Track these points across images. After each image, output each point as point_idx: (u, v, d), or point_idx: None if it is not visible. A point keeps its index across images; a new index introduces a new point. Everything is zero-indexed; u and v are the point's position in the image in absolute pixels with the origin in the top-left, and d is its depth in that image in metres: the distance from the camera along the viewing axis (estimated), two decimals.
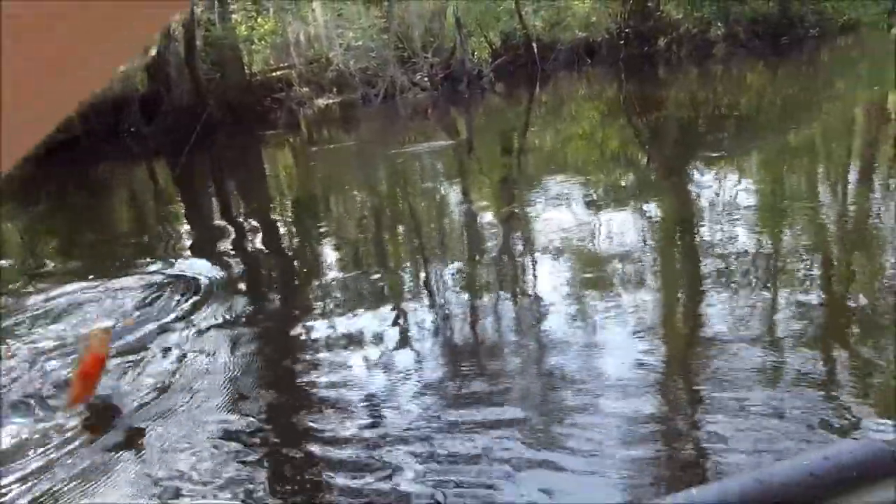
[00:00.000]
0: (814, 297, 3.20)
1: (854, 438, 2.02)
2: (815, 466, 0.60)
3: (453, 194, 6.04)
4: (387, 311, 3.57)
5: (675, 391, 2.54)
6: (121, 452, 2.47)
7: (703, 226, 4.37)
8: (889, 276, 3.39)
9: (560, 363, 2.79)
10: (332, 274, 4.31)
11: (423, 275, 4.17)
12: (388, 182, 7.13)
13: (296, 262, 4.89)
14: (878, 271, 3.50)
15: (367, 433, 2.43)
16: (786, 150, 6.33)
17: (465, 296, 3.71)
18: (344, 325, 3.41)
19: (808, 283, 3.36)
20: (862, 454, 0.61)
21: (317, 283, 4.22)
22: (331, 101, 12.49)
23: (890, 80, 8.26)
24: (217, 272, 4.44)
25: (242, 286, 4.28)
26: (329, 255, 4.85)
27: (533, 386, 2.67)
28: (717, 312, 3.12)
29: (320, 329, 3.41)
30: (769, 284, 3.43)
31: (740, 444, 2.14)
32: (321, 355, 3.13)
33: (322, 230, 5.47)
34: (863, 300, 3.18)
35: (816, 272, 3.56)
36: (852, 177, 5.38)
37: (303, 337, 3.38)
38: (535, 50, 14.12)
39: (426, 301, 3.69)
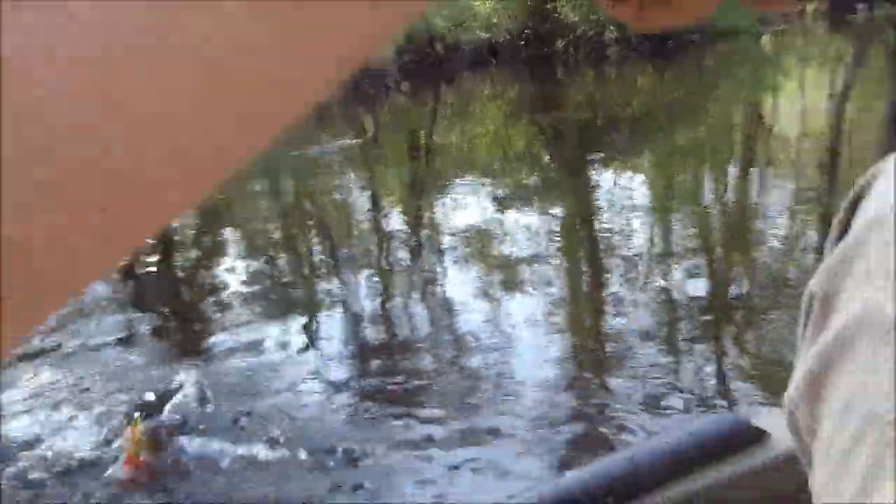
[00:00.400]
0: (700, 283, 3.46)
1: (715, 413, 2.21)
2: (680, 442, 0.64)
3: (361, 193, 5.99)
4: (295, 314, 3.51)
5: (578, 374, 2.66)
6: None
7: (601, 220, 4.59)
8: (765, 263, 3.71)
9: (471, 347, 2.85)
10: (237, 282, 4.16)
11: (335, 274, 4.12)
12: (292, 182, 6.97)
13: (198, 276, 4.68)
14: (757, 259, 3.82)
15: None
16: (674, 150, 6.75)
17: (378, 288, 3.71)
18: (245, 331, 3.33)
19: (694, 271, 3.62)
20: (722, 428, 0.65)
21: (220, 289, 4.07)
22: None
23: (761, 85, 8.98)
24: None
25: (137, 302, 4.05)
26: (234, 261, 4.68)
27: (443, 366, 2.72)
28: (614, 299, 3.30)
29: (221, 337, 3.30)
30: (661, 272, 3.65)
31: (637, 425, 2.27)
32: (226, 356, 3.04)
33: (226, 236, 5.27)
34: (744, 285, 3.45)
35: (702, 262, 3.83)
36: (732, 174, 5.82)
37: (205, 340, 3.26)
38: (440, 49, 14.22)
39: (338, 300, 3.65)
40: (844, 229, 0.29)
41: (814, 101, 7.80)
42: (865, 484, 0.23)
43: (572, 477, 0.63)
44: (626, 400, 2.45)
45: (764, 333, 2.92)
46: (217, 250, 4.95)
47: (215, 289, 4.08)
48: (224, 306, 3.76)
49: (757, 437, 0.64)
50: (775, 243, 4.02)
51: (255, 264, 4.50)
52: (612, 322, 3.14)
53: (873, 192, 0.28)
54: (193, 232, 5.63)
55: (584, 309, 3.41)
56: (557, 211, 4.94)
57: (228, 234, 5.32)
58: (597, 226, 4.51)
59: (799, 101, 8.00)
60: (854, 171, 5.26)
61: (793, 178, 5.40)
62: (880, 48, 9.88)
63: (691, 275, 3.59)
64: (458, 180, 5.94)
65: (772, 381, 2.50)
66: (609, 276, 3.68)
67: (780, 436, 0.65)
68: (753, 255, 3.91)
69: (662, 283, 3.52)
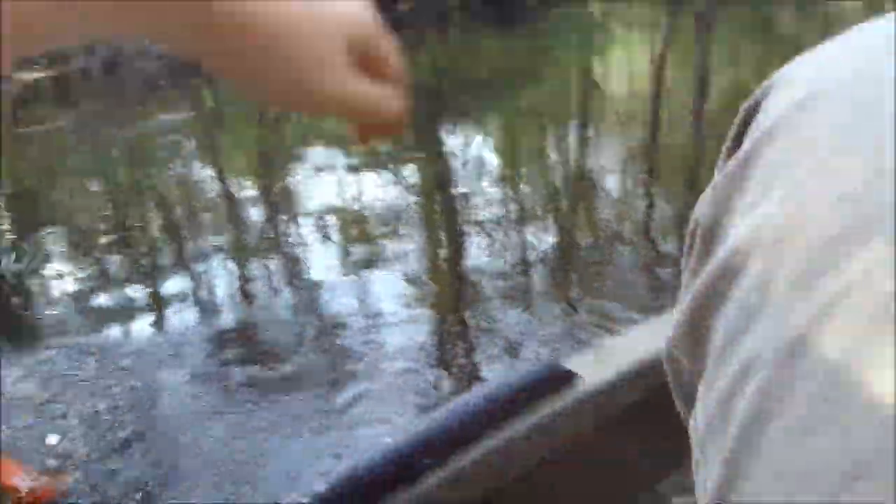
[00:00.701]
0: (549, 237, 3.69)
1: (533, 361, 2.41)
2: (498, 392, 0.66)
3: (202, 168, 5.64)
4: (139, 293, 3.27)
5: (440, 328, 2.76)
6: None
7: (454, 183, 4.72)
8: (604, 217, 4.03)
9: (337, 317, 2.84)
10: (64, 268, 3.78)
11: (180, 258, 3.87)
12: (123, 162, 6.39)
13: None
14: (597, 214, 4.13)
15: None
16: (518, 112, 7.04)
17: (231, 269, 3.55)
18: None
19: (542, 227, 3.86)
20: (537, 374, 0.68)
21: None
22: (40, 74, 10.67)
23: (592, 49, 9.59)
24: None
25: None
26: (58, 252, 4.23)
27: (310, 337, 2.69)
28: (472, 256, 3.45)
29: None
30: (512, 229, 3.85)
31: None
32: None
33: (47, 226, 4.74)
34: (586, 238, 3.73)
35: (549, 217, 4.08)
36: (571, 134, 6.20)
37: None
38: None
39: (185, 284, 3.45)
40: (733, 153, 0.25)
41: (637, 65, 8.47)
42: (744, 434, 0.20)
43: (391, 442, 0.61)
44: (486, 350, 2.59)
45: (604, 283, 3.19)
46: (39, 233, 4.45)
47: (39, 274, 3.69)
48: (53, 294, 3.41)
49: (568, 379, 0.68)
50: (611, 198, 4.37)
51: (86, 251, 4.10)
52: (470, 278, 3.27)
53: (766, 106, 0.25)
54: (9, 216, 5.01)
55: (442, 269, 3.51)
56: (411, 176, 4.98)
57: (56, 221, 4.80)
58: (450, 188, 4.62)
59: (625, 65, 8.65)
60: (672, 132, 5.80)
61: (621, 137, 5.86)
62: (689, 16, 10.91)
63: (540, 230, 3.81)
64: (308, 150, 5.78)
65: (610, 326, 2.74)
66: (464, 234, 3.81)
67: (588, 376, 0.69)
68: (593, 209, 4.23)
69: (514, 239, 3.71)
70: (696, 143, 5.49)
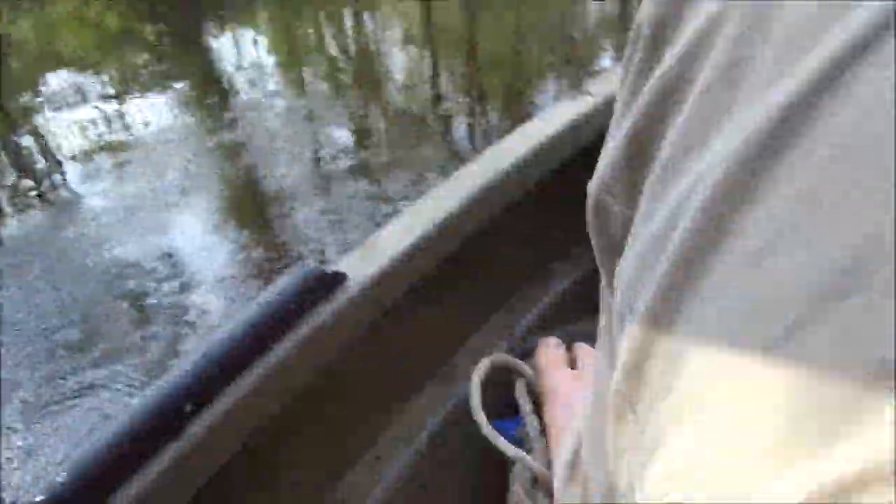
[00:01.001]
0: (343, 128, 3.65)
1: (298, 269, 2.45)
2: (263, 311, 0.60)
3: None
4: None
5: (242, 243, 2.68)
6: None
7: (229, 86, 4.39)
8: (395, 98, 4.04)
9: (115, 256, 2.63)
10: None
11: None
12: None
13: None
14: (385, 95, 4.14)
15: None
16: (288, 2, 6.58)
17: None
18: None
19: (334, 118, 3.79)
20: (306, 282, 0.63)
21: None
22: None
23: None
24: None
25: None
26: None
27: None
28: (260, 162, 3.32)
29: None
30: (303, 125, 3.74)
31: None
32: None
33: None
34: (381, 123, 3.75)
35: (340, 107, 4.00)
36: (347, 19, 5.97)
37: None
38: None
39: None
40: None
41: None
42: (683, 263, 0.15)
43: (141, 399, 0.54)
44: (293, 258, 2.57)
45: (408, 161, 3.26)
46: None
47: None
48: None
49: (338, 281, 0.65)
50: (396, 77, 4.37)
51: None
52: (265, 186, 3.16)
53: None
54: None
55: (236, 181, 3.33)
56: (180, 86, 4.52)
57: None
58: (227, 91, 4.29)
59: None
60: (444, 3, 5.81)
61: (396, 17, 5.78)
62: None
63: (332, 123, 3.73)
64: (50, 76, 4.95)
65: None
66: (249, 139, 3.62)
67: (355, 275, 0.67)
68: (380, 91, 4.21)
69: (306, 136, 3.61)
70: (467, 15, 5.59)
